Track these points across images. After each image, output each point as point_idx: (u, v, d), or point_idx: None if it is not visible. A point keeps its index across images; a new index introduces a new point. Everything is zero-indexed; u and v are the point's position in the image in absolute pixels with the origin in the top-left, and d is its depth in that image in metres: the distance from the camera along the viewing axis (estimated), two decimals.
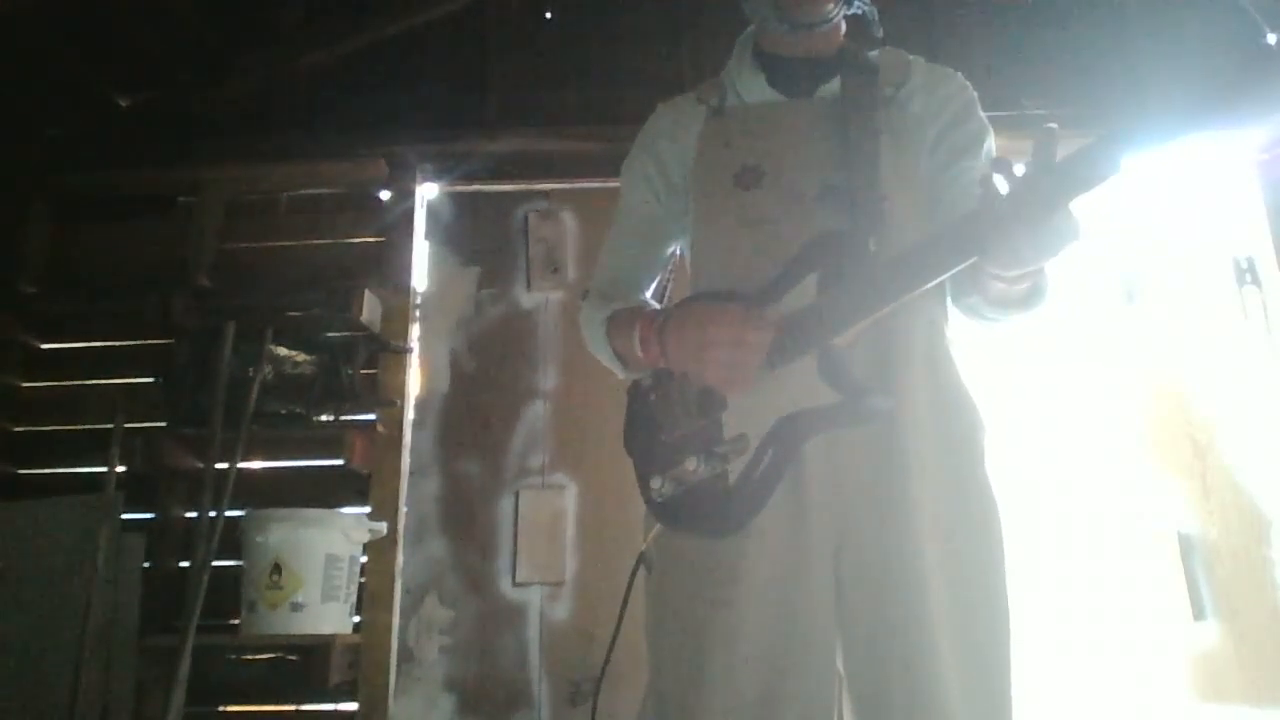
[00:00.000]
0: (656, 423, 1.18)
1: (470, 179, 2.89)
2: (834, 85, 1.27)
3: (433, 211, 2.90)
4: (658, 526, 1.18)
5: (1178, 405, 2.75)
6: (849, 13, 1.31)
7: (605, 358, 1.32)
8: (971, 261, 0.97)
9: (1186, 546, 2.64)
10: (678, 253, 1.42)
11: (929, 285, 1.01)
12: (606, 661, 1.23)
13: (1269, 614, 2.46)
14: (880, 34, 1.33)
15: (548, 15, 3.03)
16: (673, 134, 1.34)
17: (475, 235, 2.87)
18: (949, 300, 1.24)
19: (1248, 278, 2.70)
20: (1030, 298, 1.13)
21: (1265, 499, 2.54)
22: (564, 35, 3.02)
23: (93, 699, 2.22)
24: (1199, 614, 2.59)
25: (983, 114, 1.29)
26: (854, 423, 1.10)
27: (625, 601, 1.20)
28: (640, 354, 1.20)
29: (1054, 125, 0.89)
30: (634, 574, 1.20)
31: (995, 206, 0.92)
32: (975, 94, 1.30)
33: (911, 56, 1.32)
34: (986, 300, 1.15)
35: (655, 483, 1.14)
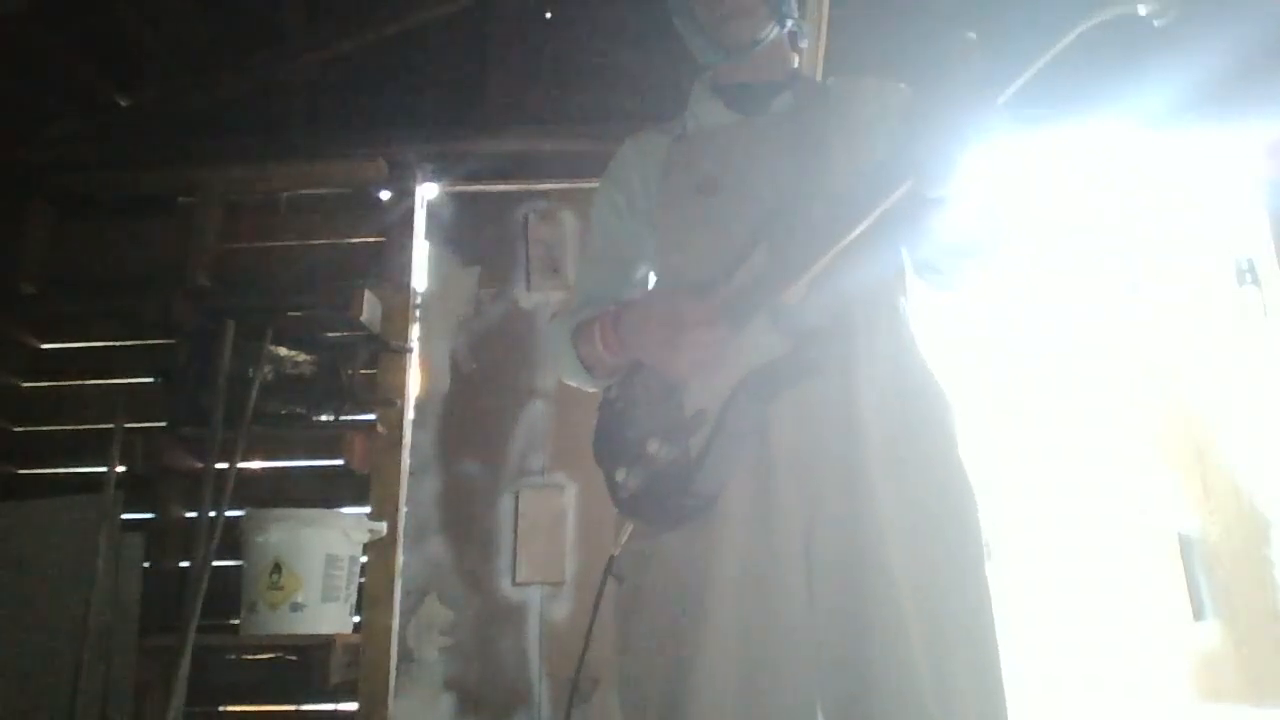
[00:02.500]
0: (623, 424, 1.18)
1: (470, 179, 2.89)
2: (787, 99, 1.33)
3: (433, 211, 2.90)
4: (628, 530, 1.17)
5: (1178, 405, 2.75)
6: (785, 31, 1.35)
7: (571, 370, 1.32)
8: (907, 186, 1.01)
9: (1186, 546, 2.64)
10: (648, 277, 1.44)
11: (869, 219, 1.04)
12: (578, 673, 1.22)
13: (1269, 614, 2.46)
14: (805, 44, 1.40)
15: (548, 15, 3.03)
16: (638, 163, 1.39)
17: (475, 235, 2.87)
18: (909, 275, 1.27)
19: (1248, 278, 2.70)
20: (982, 240, 1.17)
21: (1265, 499, 2.54)
22: (564, 35, 3.02)
23: (93, 699, 2.22)
24: (1199, 614, 2.59)
25: None
26: (806, 372, 1.11)
27: (595, 609, 1.19)
28: (601, 349, 1.22)
29: (973, 34, 0.96)
30: (603, 584, 1.18)
31: (915, 118, 0.99)
32: None
33: (861, 77, 1.37)
34: (940, 248, 1.17)
35: (620, 475, 1.14)
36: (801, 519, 1.12)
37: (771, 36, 1.33)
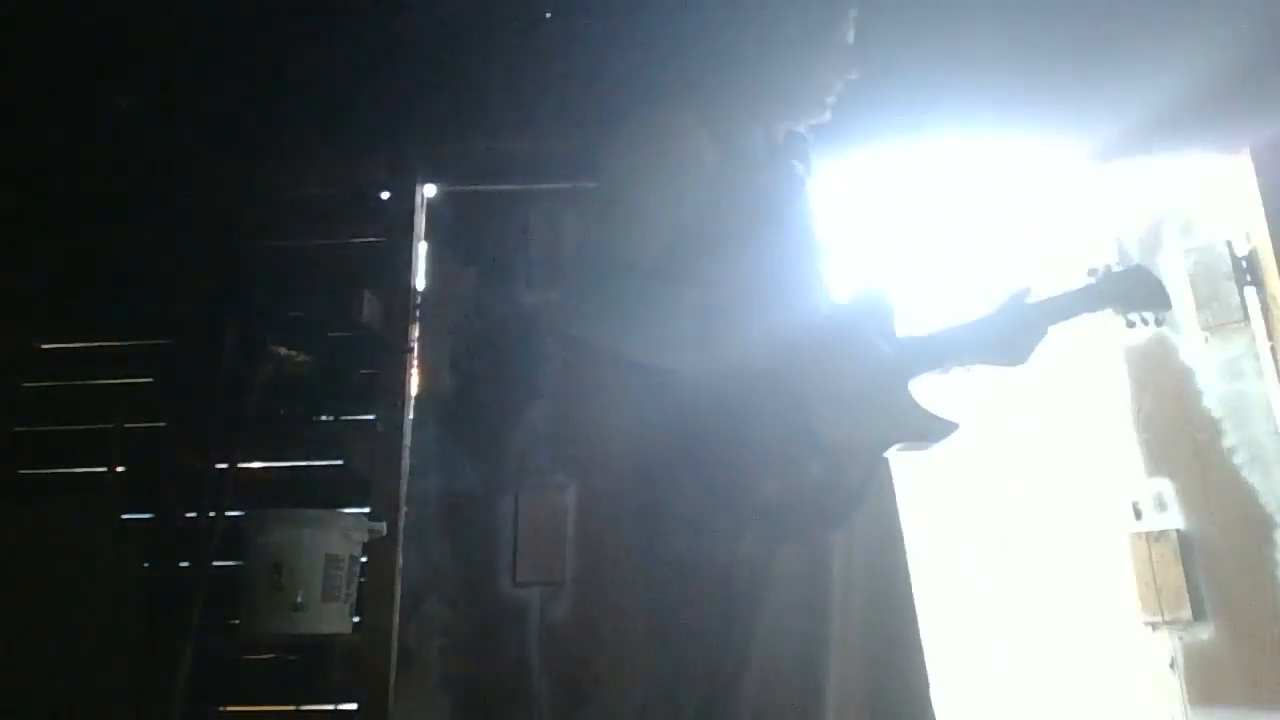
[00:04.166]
0: (761, 433, 1.22)
1: (470, 179, 2.89)
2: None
3: (433, 211, 2.90)
4: (748, 537, 1.24)
5: (1178, 405, 2.75)
6: None
7: (691, 348, 1.31)
8: None
9: (1186, 546, 2.64)
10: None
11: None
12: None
13: (1269, 614, 2.46)
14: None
15: (547, 15, 3.03)
16: (699, 160, 1.50)
17: (475, 235, 2.87)
18: None
19: (1248, 278, 2.70)
20: None
21: (1265, 499, 2.54)
22: (564, 35, 3.02)
23: (93, 699, 2.22)
24: (1199, 614, 2.59)
25: None
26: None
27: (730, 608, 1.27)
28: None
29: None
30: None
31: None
32: None
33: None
34: None
35: (771, 486, 1.21)
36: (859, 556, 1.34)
37: None
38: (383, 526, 2.47)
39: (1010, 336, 1.43)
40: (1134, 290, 1.48)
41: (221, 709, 2.48)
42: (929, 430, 1.31)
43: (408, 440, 2.64)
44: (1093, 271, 1.51)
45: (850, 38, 1.51)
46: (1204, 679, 2.58)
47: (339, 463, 2.56)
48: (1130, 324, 1.50)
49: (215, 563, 2.27)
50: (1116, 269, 1.51)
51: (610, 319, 1.30)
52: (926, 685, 1.35)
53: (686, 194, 1.34)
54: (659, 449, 1.27)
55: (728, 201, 1.36)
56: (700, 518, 1.23)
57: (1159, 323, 1.51)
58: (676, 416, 1.25)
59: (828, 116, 1.54)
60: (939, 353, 1.41)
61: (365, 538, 2.44)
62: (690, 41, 1.62)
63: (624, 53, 2.94)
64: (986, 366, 1.45)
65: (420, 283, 2.80)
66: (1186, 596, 2.61)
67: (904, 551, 1.39)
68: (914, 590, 1.38)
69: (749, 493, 1.19)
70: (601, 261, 1.34)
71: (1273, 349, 2.62)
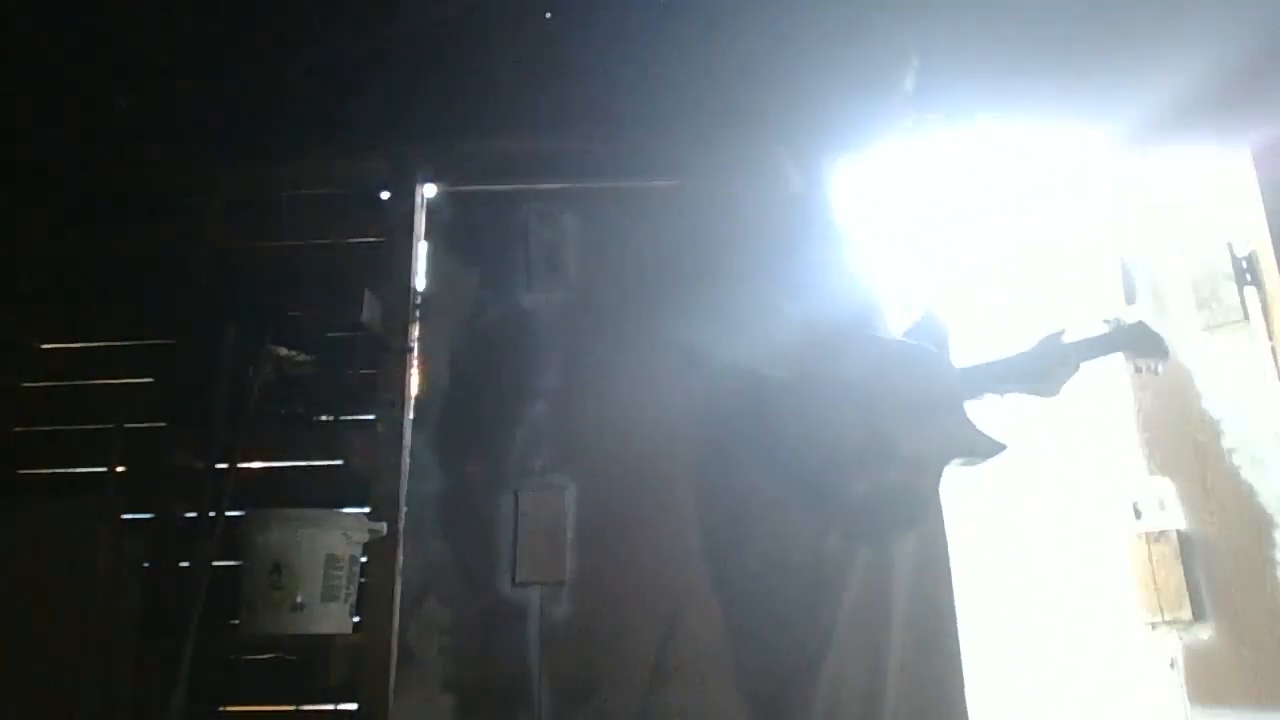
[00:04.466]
0: (846, 438, 1.33)
1: (470, 179, 2.89)
2: None
3: (433, 211, 2.89)
4: (833, 534, 1.34)
5: (1178, 405, 2.75)
6: None
7: (773, 351, 1.38)
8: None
9: (1186, 546, 2.64)
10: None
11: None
12: None
13: (1269, 614, 2.46)
14: None
15: (547, 15, 3.03)
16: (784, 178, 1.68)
17: (475, 235, 2.87)
18: None
19: (1248, 278, 2.70)
20: None
21: (1265, 499, 2.54)
22: (564, 35, 3.01)
23: (93, 699, 2.22)
24: (1199, 614, 2.59)
25: None
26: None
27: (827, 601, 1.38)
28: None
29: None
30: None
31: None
32: None
33: None
34: None
35: (858, 484, 1.32)
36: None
37: None
38: (383, 526, 2.47)
39: (1046, 371, 1.58)
40: (1140, 341, 1.69)
41: (221, 709, 2.48)
42: (984, 448, 1.44)
43: (408, 440, 2.64)
44: (1108, 320, 1.72)
45: (910, 86, 1.66)
46: (1204, 679, 2.58)
47: (339, 463, 2.56)
48: (1138, 370, 1.72)
49: (215, 563, 2.26)
50: (1126, 322, 1.73)
51: (712, 322, 1.40)
52: (961, 685, 1.43)
53: (775, 208, 1.47)
54: (736, 447, 1.40)
55: (806, 218, 1.49)
56: (783, 515, 1.35)
57: (1158, 372, 1.73)
58: (757, 417, 1.36)
59: (883, 153, 1.70)
60: (986, 381, 1.56)
61: (365, 538, 2.44)
62: (756, 72, 1.76)
63: (625, 53, 2.94)
64: (1023, 396, 1.60)
65: (420, 283, 2.80)
66: (1186, 596, 2.61)
67: (947, 559, 1.48)
68: (955, 596, 1.47)
69: (837, 493, 1.31)
70: (697, 264, 1.48)
71: (1273, 349, 2.61)
